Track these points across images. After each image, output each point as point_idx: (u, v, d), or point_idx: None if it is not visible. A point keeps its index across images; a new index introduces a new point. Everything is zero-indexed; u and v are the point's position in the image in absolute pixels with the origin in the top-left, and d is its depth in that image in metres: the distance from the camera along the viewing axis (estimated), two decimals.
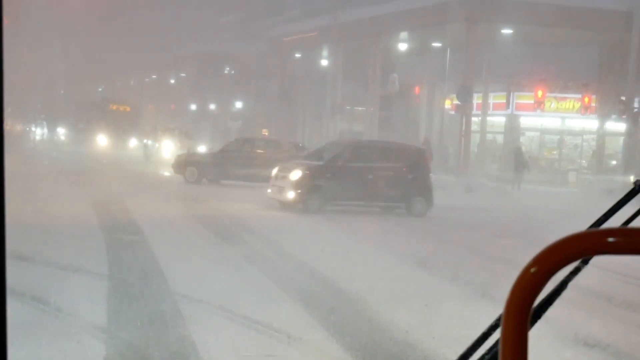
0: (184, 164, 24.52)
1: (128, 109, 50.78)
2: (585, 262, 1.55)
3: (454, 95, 31.49)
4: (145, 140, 39.93)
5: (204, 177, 23.99)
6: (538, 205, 22.82)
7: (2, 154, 1.22)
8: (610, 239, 0.91)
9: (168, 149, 35.31)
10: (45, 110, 61.30)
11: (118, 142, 46.05)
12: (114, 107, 49.99)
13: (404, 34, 36.13)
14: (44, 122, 60.33)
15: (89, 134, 47.40)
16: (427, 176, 18.50)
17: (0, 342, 1.24)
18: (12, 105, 45.26)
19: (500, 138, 36.84)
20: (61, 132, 58.97)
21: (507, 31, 32.25)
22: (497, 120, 36.21)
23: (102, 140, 46.67)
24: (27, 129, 60.35)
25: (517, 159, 29.22)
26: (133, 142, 46.68)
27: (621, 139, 33.10)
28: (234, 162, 23.82)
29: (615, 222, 1.42)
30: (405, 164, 18.35)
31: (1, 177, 1.22)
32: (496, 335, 1.13)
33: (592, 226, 1.54)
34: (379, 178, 17.78)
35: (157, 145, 36.95)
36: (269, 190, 18.26)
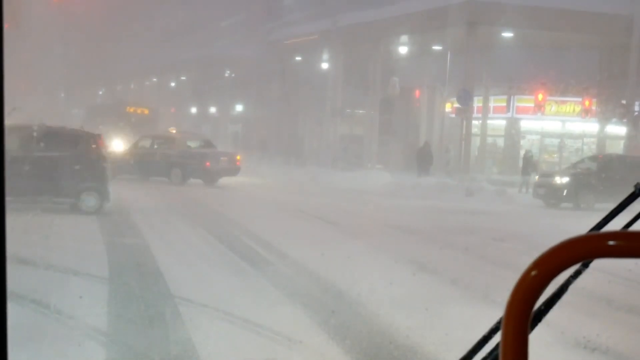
0: None
1: (146, 111, 47.10)
2: (585, 265, 1.54)
3: (455, 99, 31.49)
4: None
5: (119, 172, 25.17)
6: (538, 209, 22.80)
7: (2, 154, 1.22)
8: (611, 242, 0.91)
9: None
10: (46, 114, 60.93)
11: None
12: (131, 110, 46.53)
13: (404, 38, 36.14)
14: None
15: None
16: (100, 166, 15.93)
17: (0, 345, 1.24)
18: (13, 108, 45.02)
19: (500, 141, 36.85)
20: None
21: (507, 35, 32.27)
22: (498, 123, 36.21)
23: (117, 146, 43.59)
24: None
25: (526, 164, 29.44)
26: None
27: (622, 143, 33.10)
28: (141, 159, 25.65)
29: (616, 225, 1.42)
30: (71, 152, 15.79)
31: (1, 177, 1.22)
32: (497, 338, 1.13)
33: (592, 229, 1.54)
34: (38, 169, 15.07)
35: None
36: None
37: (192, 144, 26.79)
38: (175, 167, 25.15)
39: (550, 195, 23.19)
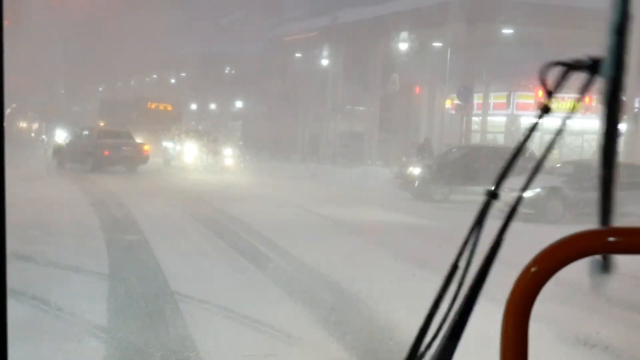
0: (55, 152, 30.13)
1: (169, 107, 43.95)
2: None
3: (455, 95, 31.48)
4: (164, 143, 35.67)
5: (66, 162, 28.91)
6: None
7: (2, 154, 1.22)
8: (611, 239, 0.91)
9: (191, 152, 32.42)
10: (47, 111, 60.72)
11: (158, 147, 37.14)
12: (153, 106, 43.56)
13: (404, 34, 36.10)
14: (43, 124, 57.53)
15: None
16: None
17: (0, 342, 1.24)
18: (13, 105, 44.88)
19: (500, 138, 36.83)
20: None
21: (507, 31, 32.23)
22: (498, 120, 36.19)
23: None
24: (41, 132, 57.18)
25: None
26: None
27: (622, 139, 33.10)
28: (74, 150, 28.92)
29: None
30: None
31: (1, 177, 1.22)
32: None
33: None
34: None
35: (178, 148, 33.42)
36: None
37: (109, 135, 29.99)
38: (88, 156, 28.06)
39: (404, 186, 22.55)
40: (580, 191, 17.73)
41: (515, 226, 1.40)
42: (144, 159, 29.12)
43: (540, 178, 13.56)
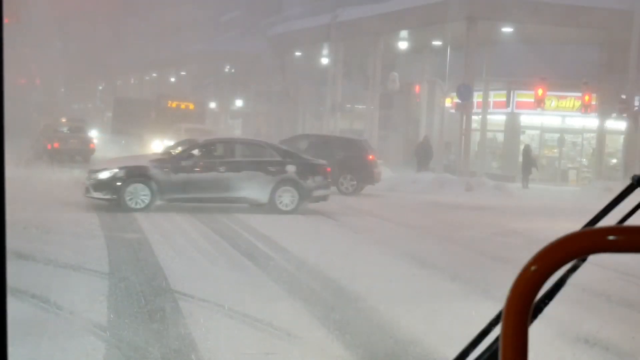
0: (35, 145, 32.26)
1: (192, 106, 41.30)
2: (583, 259, 1.54)
3: (455, 94, 31.45)
4: (164, 142, 33.76)
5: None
6: (538, 205, 22.79)
7: (2, 153, 1.22)
8: (611, 237, 0.91)
9: None
10: (47, 109, 60.64)
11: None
12: (174, 105, 41.13)
13: (404, 33, 36.08)
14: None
15: (137, 138, 39.08)
16: None
17: (0, 340, 1.24)
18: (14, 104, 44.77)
19: (500, 136, 36.82)
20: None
21: (507, 29, 32.21)
22: (498, 118, 36.15)
23: (157, 148, 38.23)
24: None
25: (526, 159, 29.81)
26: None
27: (621, 138, 33.09)
28: (42, 144, 31.87)
29: (614, 218, 1.42)
30: None
31: (1, 177, 1.22)
32: (496, 332, 1.13)
33: (590, 223, 1.54)
34: None
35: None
36: None
37: (63, 128, 33.06)
38: (43, 147, 31.09)
39: None
40: (174, 174, 15.11)
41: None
42: (91, 151, 31.17)
43: (137, 158, 12.78)
